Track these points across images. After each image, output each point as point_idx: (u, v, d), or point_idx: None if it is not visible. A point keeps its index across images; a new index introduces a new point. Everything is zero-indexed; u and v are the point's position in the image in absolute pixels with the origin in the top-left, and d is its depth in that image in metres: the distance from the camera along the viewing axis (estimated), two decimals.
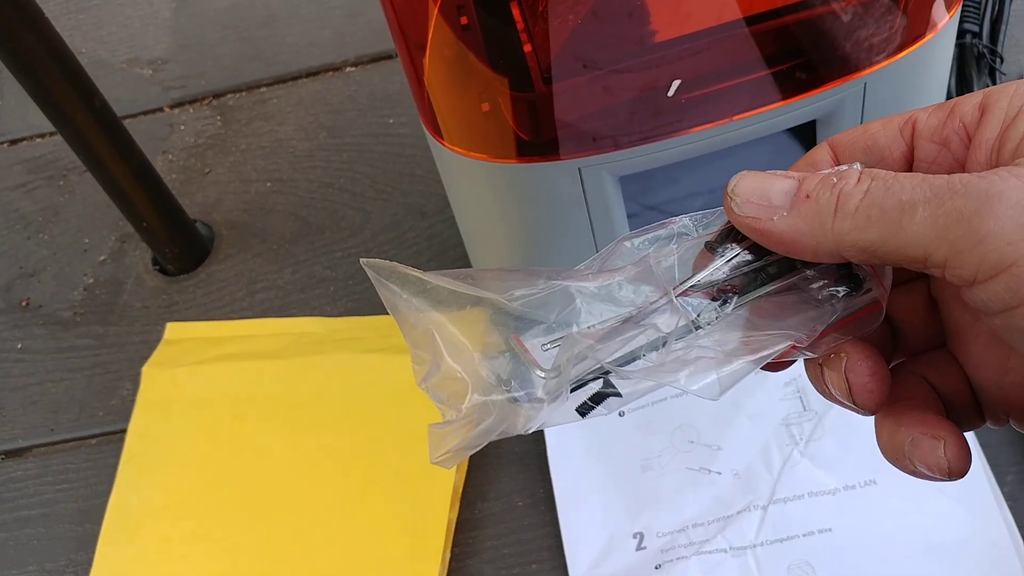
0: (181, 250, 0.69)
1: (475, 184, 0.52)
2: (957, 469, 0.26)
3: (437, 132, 0.50)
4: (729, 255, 0.27)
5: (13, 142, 0.81)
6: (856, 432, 0.54)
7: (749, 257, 0.27)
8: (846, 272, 0.27)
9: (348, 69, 0.78)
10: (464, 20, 0.49)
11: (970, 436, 0.52)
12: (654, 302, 0.27)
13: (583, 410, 0.27)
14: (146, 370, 0.64)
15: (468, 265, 0.62)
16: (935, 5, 0.48)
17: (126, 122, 0.64)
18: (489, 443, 0.58)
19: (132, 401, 0.63)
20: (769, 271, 0.27)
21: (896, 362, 0.29)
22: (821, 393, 0.28)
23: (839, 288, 0.27)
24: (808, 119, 0.49)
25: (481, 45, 0.49)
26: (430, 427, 0.27)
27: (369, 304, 0.65)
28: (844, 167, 0.26)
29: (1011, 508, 0.51)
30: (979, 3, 0.66)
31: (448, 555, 0.55)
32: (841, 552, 0.51)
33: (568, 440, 0.57)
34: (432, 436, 0.27)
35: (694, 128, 0.47)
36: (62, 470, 0.63)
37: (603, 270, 0.28)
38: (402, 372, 0.60)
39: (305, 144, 0.74)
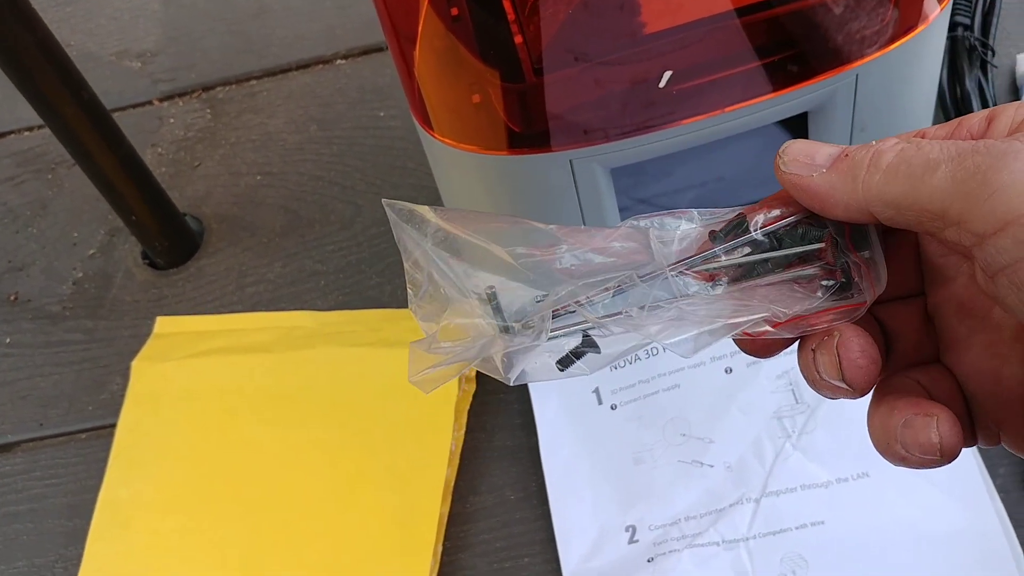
0: (171, 244, 0.69)
1: (466, 176, 0.52)
2: (949, 447, 0.26)
3: (427, 124, 0.50)
4: (730, 244, 0.28)
5: (1, 135, 0.80)
6: (848, 425, 0.54)
7: (748, 250, 0.28)
8: (842, 270, 0.27)
9: (338, 62, 0.77)
10: (455, 11, 0.48)
11: None
12: (647, 273, 0.28)
13: (564, 363, 0.28)
14: (136, 364, 0.64)
15: None
16: None
17: (115, 115, 0.63)
18: (481, 437, 0.58)
19: (122, 395, 0.63)
20: (766, 266, 0.28)
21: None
22: (811, 381, 0.28)
23: (829, 281, 0.27)
24: (800, 111, 0.49)
25: (472, 36, 0.48)
26: (411, 344, 0.27)
27: (360, 298, 0.65)
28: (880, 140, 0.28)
29: (1003, 500, 0.51)
30: None
31: (440, 549, 0.54)
32: (834, 544, 0.51)
33: (560, 433, 0.56)
34: (412, 354, 0.27)
35: (685, 120, 0.47)
36: (51, 465, 0.62)
37: (604, 234, 0.28)
38: (392, 366, 0.60)
39: (295, 137, 0.74)
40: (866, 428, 0.28)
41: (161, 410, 0.62)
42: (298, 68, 0.78)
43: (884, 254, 0.28)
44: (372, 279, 0.66)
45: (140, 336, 0.66)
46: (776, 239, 0.28)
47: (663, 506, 0.53)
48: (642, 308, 0.27)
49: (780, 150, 0.28)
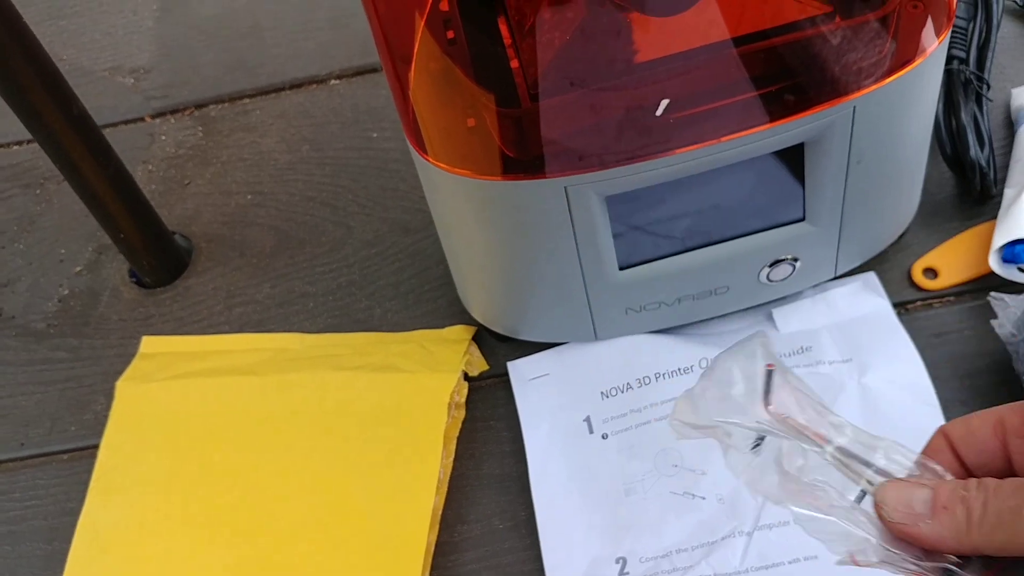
0: (159, 262, 0.68)
1: (459, 201, 0.51)
2: None
3: (421, 147, 0.49)
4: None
5: None
6: None
7: None
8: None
9: (333, 82, 0.77)
10: (451, 34, 0.48)
11: None
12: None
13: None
14: (120, 385, 0.63)
15: (450, 283, 0.61)
16: (925, 30, 0.48)
17: (107, 131, 0.63)
18: (470, 464, 0.57)
19: (105, 416, 0.62)
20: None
21: None
22: None
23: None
24: (796, 142, 0.49)
25: (467, 60, 0.48)
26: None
27: (349, 320, 0.64)
28: (962, 482, 0.32)
29: None
30: (966, 30, 0.66)
31: None
32: None
33: (550, 462, 0.56)
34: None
35: (681, 149, 0.46)
36: (31, 486, 0.61)
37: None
38: (381, 390, 0.59)
39: (287, 157, 0.73)
40: None
41: (145, 432, 0.61)
42: (292, 87, 0.77)
43: None
44: (362, 302, 0.65)
45: (126, 355, 0.65)
46: None
47: (654, 538, 0.52)
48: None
49: (878, 498, 0.32)
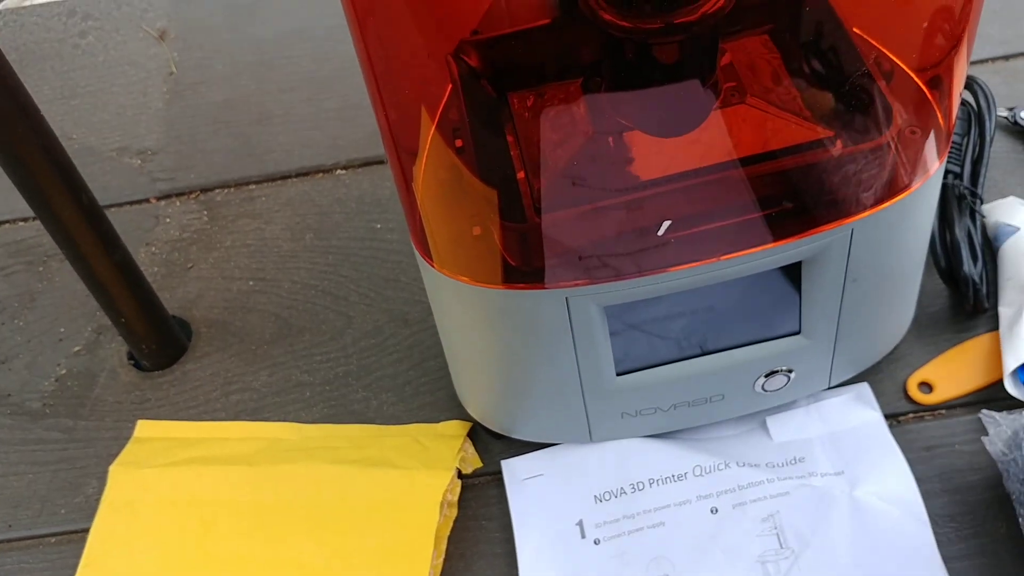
0: (158, 346, 0.68)
1: (460, 304, 0.52)
2: None
3: (427, 252, 0.50)
4: None
5: None
6: (832, 571, 0.53)
7: None
8: None
9: (339, 172, 0.78)
10: (459, 143, 0.49)
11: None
12: None
13: None
14: (113, 469, 0.63)
15: (447, 377, 0.62)
16: (922, 155, 0.49)
17: (112, 211, 0.64)
18: (460, 565, 0.57)
19: (97, 500, 0.62)
20: None
21: None
22: None
23: None
24: (794, 260, 0.49)
25: (475, 169, 0.49)
26: None
27: (345, 411, 0.64)
28: None
29: None
30: (960, 145, 0.67)
31: None
32: None
33: (541, 565, 0.56)
34: None
35: (681, 266, 0.47)
36: (16, 570, 0.61)
37: None
38: (375, 486, 0.59)
39: (291, 244, 0.74)
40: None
41: (136, 518, 0.60)
42: (298, 175, 0.78)
43: None
44: (359, 392, 0.65)
45: (120, 438, 0.65)
46: None
47: None
48: None
49: None
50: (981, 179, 0.67)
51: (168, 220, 0.78)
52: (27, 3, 1.68)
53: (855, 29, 0.49)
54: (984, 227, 0.66)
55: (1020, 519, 0.53)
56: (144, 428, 0.65)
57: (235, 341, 0.70)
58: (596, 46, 0.46)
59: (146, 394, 0.68)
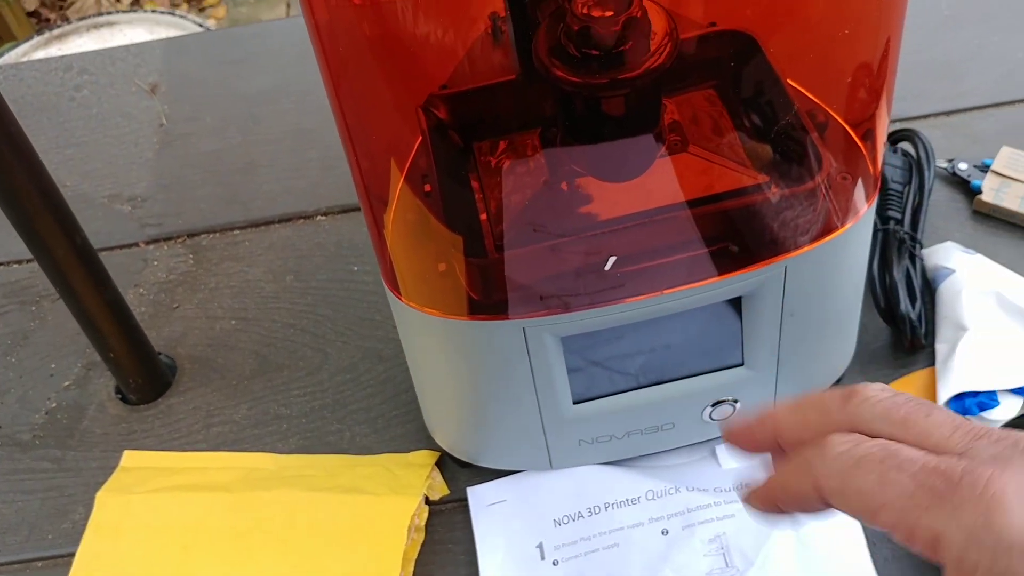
0: (144, 381, 0.72)
1: (426, 336, 0.56)
2: None
3: (395, 288, 0.54)
4: None
5: None
6: None
7: None
8: None
9: (319, 218, 0.82)
10: (427, 187, 0.54)
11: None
12: None
13: None
14: (100, 495, 0.66)
15: (418, 410, 0.65)
16: (852, 199, 0.54)
17: (102, 254, 0.67)
18: None
19: (83, 526, 0.65)
20: None
21: None
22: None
23: None
24: (734, 295, 0.54)
25: (441, 211, 0.53)
26: None
27: (319, 443, 0.68)
28: None
29: None
30: (902, 193, 0.72)
31: None
32: None
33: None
34: None
35: (628, 299, 0.51)
36: None
37: None
38: (345, 511, 0.62)
39: (272, 286, 0.78)
40: None
41: (121, 542, 0.63)
42: (280, 221, 0.83)
43: None
44: (333, 425, 0.69)
45: (107, 468, 0.68)
46: None
47: None
48: None
49: None
50: (921, 225, 0.72)
51: (156, 263, 0.81)
52: (26, 58, 1.73)
53: (790, 80, 0.53)
54: (924, 270, 0.70)
55: None
56: (130, 458, 0.69)
57: (217, 377, 0.73)
58: (552, 100, 0.51)
59: (132, 426, 0.72)
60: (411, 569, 0.61)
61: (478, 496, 0.63)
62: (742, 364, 0.58)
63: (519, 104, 0.55)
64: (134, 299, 0.79)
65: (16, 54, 1.73)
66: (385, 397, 0.70)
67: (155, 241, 0.83)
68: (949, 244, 0.71)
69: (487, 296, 0.52)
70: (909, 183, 0.73)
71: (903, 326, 0.66)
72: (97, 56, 1.02)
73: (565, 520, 0.61)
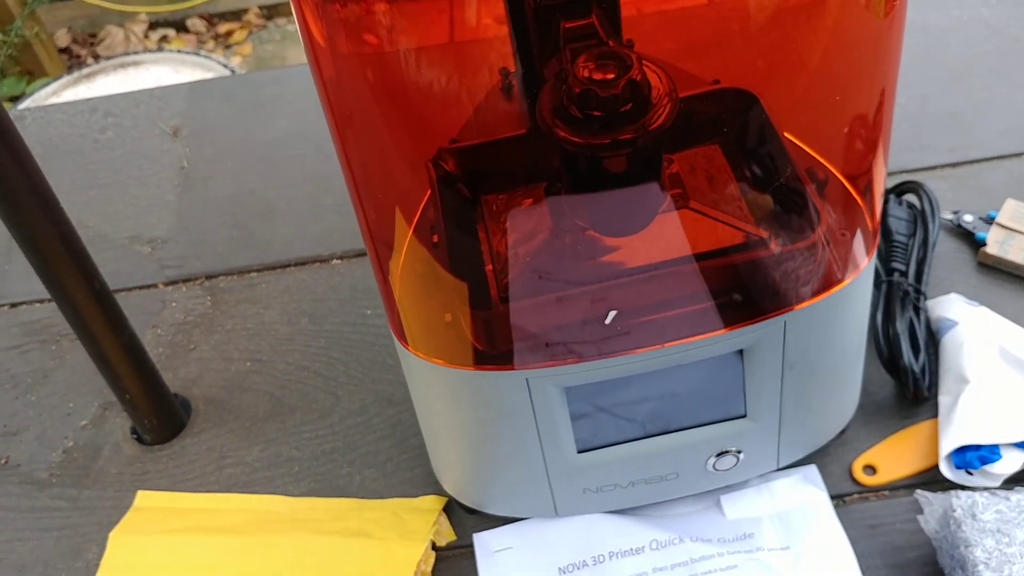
0: (159, 422, 0.73)
1: (433, 385, 0.57)
2: None
3: (403, 337, 0.55)
4: None
5: (14, 305, 0.86)
6: None
7: None
8: None
9: (335, 262, 0.84)
10: (436, 238, 0.55)
11: None
12: None
13: None
14: (113, 535, 0.67)
15: (427, 454, 0.66)
16: (851, 255, 0.55)
17: (122, 295, 0.69)
18: None
19: (96, 564, 0.66)
20: None
21: None
22: None
23: None
24: (735, 349, 0.55)
25: (448, 263, 0.55)
26: None
27: (329, 486, 0.69)
28: None
29: None
30: (907, 245, 0.73)
31: None
32: None
33: None
34: None
35: (630, 351, 0.52)
36: None
37: None
38: (353, 555, 0.63)
39: (287, 328, 0.80)
40: None
41: None
42: (296, 265, 0.84)
43: None
44: (343, 468, 0.70)
45: (121, 508, 0.70)
46: None
47: None
48: None
49: None
50: (925, 277, 0.72)
51: (174, 304, 0.83)
52: (55, 96, 1.77)
53: (788, 135, 0.55)
54: (928, 321, 0.71)
55: None
56: (144, 498, 0.70)
57: (231, 418, 0.75)
58: (557, 157, 0.53)
59: (146, 466, 0.73)
60: None
61: (484, 543, 0.64)
62: (745, 415, 0.59)
63: (527, 158, 0.56)
64: (152, 340, 0.80)
65: (47, 92, 1.78)
66: (394, 441, 0.71)
67: (174, 283, 0.85)
68: (953, 296, 0.71)
69: (491, 347, 0.54)
70: (914, 235, 0.74)
71: (905, 378, 0.66)
72: (122, 99, 1.04)
73: (570, 568, 0.61)
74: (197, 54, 1.79)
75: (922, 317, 0.70)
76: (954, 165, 0.83)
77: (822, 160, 0.55)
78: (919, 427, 0.67)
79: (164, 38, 2.53)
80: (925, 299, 0.71)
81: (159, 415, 0.73)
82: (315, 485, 0.69)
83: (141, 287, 0.85)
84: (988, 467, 0.61)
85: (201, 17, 2.56)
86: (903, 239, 0.74)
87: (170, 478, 0.72)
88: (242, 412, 0.75)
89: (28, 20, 2.19)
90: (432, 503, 0.66)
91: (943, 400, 0.66)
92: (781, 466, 0.63)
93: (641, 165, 0.51)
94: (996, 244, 0.74)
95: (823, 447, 0.65)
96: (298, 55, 2.43)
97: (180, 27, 2.56)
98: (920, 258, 0.73)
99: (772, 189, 0.55)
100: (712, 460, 0.60)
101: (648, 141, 0.49)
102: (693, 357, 0.54)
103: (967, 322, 0.68)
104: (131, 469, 0.73)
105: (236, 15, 2.59)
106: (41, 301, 0.86)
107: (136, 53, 1.80)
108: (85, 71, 1.79)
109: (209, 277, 0.85)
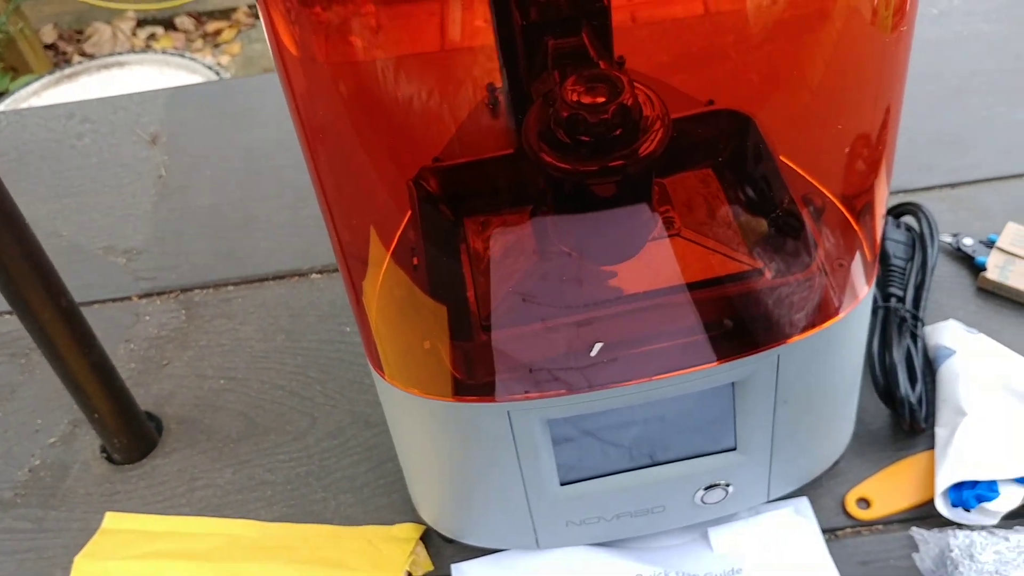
0: (129, 441, 0.71)
1: (410, 414, 0.55)
2: None
3: (379, 366, 0.53)
4: None
5: None
6: None
7: None
8: None
9: (314, 276, 0.82)
10: (415, 261, 0.53)
11: None
12: None
13: None
14: (78, 560, 0.65)
15: (403, 479, 0.64)
16: (851, 283, 0.53)
17: (95, 307, 0.67)
18: None
19: None
20: None
21: None
22: None
23: None
24: (726, 382, 0.52)
25: (428, 287, 0.52)
26: None
27: (303, 512, 0.67)
28: None
29: None
30: (904, 270, 0.71)
31: None
32: None
33: None
34: None
35: (616, 384, 0.50)
36: None
37: None
38: None
39: (263, 345, 0.77)
40: None
41: None
42: (274, 279, 0.82)
43: None
44: (318, 493, 0.68)
45: (88, 529, 0.67)
46: None
47: None
48: None
49: None
50: (923, 302, 0.70)
51: (148, 318, 0.81)
52: (36, 97, 1.74)
53: (784, 159, 0.52)
54: (926, 349, 0.69)
55: None
56: (111, 520, 0.67)
57: (203, 438, 0.72)
58: (543, 181, 0.50)
59: (116, 487, 0.70)
60: None
61: (463, 574, 0.62)
62: (735, 448, 0.57)
63: (513, 179, 0.54)
64: (124, 355, 0.78)
65: (27, 92, 1.75)
66: (371, 465, 0.69)
67: (148, 295, 0.82)
68: (951, 322, 0.69)
69: (472, 377, 0.51)
70: (912, 259, 0.72)
71: (901, 409, 0.64)
72: (100, 104, 1.01)
73: None
74: (183, 55, 1.76)
75: (919, 345, 0.68)
76: (953, 186, 0.81)
77: (819, 186, 0.53)
78: (915, 459, 0.64)
79: (152, 36, 2.50)
80: (923, 325, 0.69)
81: (129, 435, 0.71)
82: (288, 510, 0.67)
83: (115, 299, 0.83)
84: (986, 505, 0.59)
85: (189, 15, 2.53)
86: (901, 263, 0.71)
87: (140, 499, 0.69)
88: (215, 432, 0.72)
89: (13, 15, 2.16)
90: (409, 532, 0.64)
91: (939, 432, 0.64)
92: (771, 498, 0.61)
93: (631, 191, 0.49)
94: (996, 269, 0.72)
95: (815, 479, 0.63)
96: None
97: (168, 25, 2.53)
98: (918, 283, 0.71)
99: (767, 216, 0.52)
100: (700, 493, 0.58)
101: (638, 168, 0.46)
102: (679, 391, 0.52)
103: (965, 351, 0.66)
104: (100, 489, 0.70)
105: (225, 14, 2.56)
106: (10, 312, 0.83)
107: (121, 53, 1.77)
108: (68, 71, 1.76)
109: (184, 290, 0.82)
